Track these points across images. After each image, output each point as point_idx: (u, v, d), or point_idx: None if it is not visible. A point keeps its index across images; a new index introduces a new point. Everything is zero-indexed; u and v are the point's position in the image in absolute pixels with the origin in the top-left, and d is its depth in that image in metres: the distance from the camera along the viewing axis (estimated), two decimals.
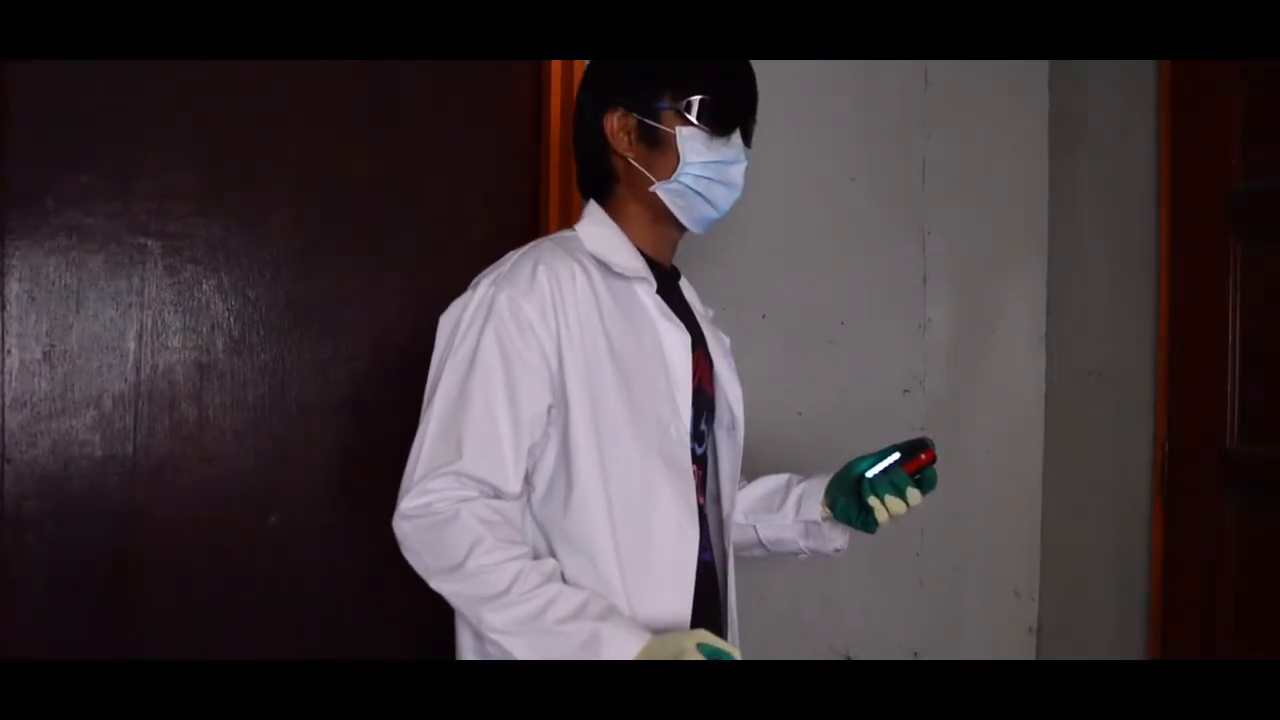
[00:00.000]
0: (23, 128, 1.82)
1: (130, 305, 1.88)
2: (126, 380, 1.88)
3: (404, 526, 1.35)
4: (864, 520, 1.56)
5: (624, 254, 1.49)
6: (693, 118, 1.46)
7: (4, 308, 1.82)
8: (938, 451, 2.32)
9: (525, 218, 2.11)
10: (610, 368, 1.41)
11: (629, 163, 1.49)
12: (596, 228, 1.51)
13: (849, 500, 1.56)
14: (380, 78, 2.01)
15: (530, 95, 2.12)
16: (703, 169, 1.47)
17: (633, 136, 1.49)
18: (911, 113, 2.34)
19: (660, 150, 1.48)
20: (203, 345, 1.92)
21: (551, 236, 1.53)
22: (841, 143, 2.29)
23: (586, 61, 1.57)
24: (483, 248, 2.05)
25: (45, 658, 1.78)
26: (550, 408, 1.40)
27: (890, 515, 1.54)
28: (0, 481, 1.82)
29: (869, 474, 1.53)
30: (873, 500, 1.53)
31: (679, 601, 1.42)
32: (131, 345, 1.88)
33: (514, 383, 1.37)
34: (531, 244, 1.49)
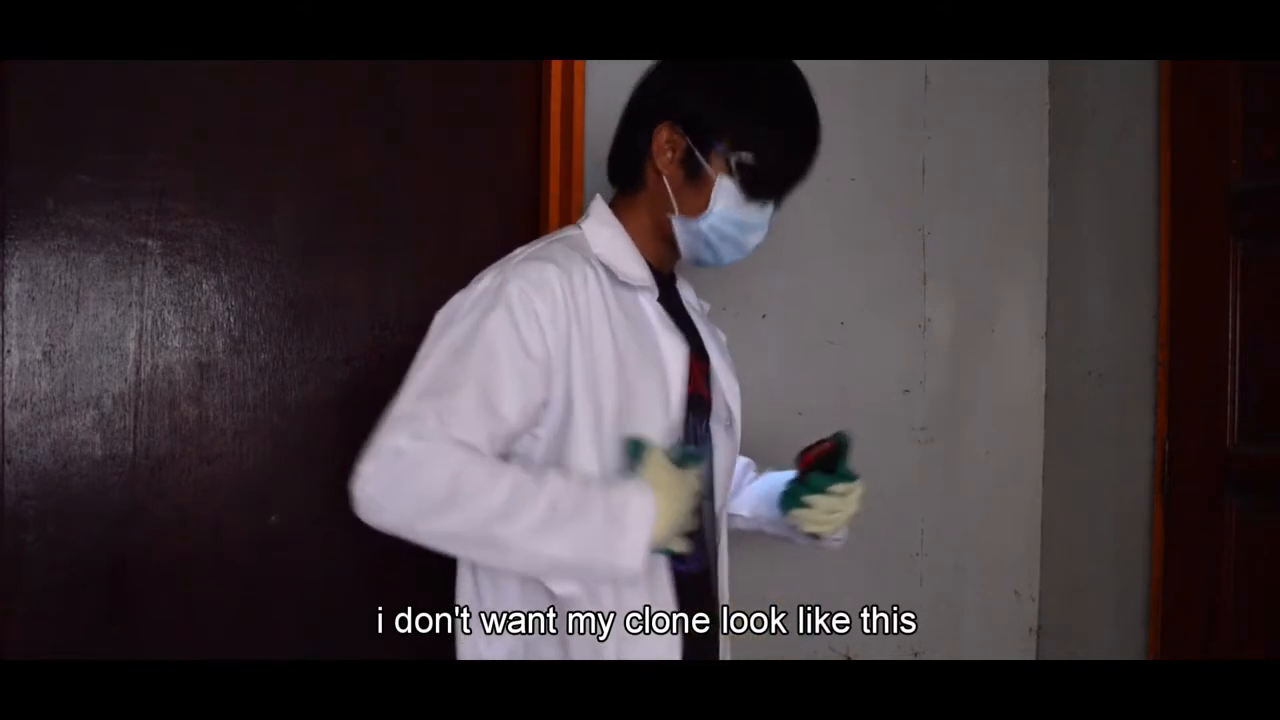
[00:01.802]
0: (23, 128, 1.82)
1: (130, 305, 1.88)
2: (126, 380, 1.88)
3: (369, 489, 1.26)
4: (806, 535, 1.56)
5: (629, 261, 1.47)
6: (734, 173, 1.42)
7: (4, 308, 1.82)
8: (938, 450, 2.35)
9: (525, 218, 2.10)
10: (615, 376, 1.39)
11: (661, 179, 1.46)
12: (603, 228, 1.49)
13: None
14: (380, 77, 2.01)
15: (530, 95, 2.11)
16: (723, 223, 1.44)
17: (676, 156, 1.44)
18: (911, 113, 2.34)
19: (695, 185, 1.44)
20: (203, 345, 1.92)
21: (560, 237, 1.49)
22: (841, 143, 2.28)
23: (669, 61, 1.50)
24: (483, 248, 2.04)
25: (45, 658, 1.78)
26: (545, 404, 1.37)
27: (817, 521, 1.52)
28: (0, 481, 1.82)
29: (781, 493, 1.53)
30: (792, 514, 1.52)
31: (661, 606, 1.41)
32: (131, 345, 1.88)
33: (512, 369, 1.33)
34: (542, 243, 1.47)
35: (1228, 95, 2.00)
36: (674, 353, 1.45)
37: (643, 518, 1.29)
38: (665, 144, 1.44)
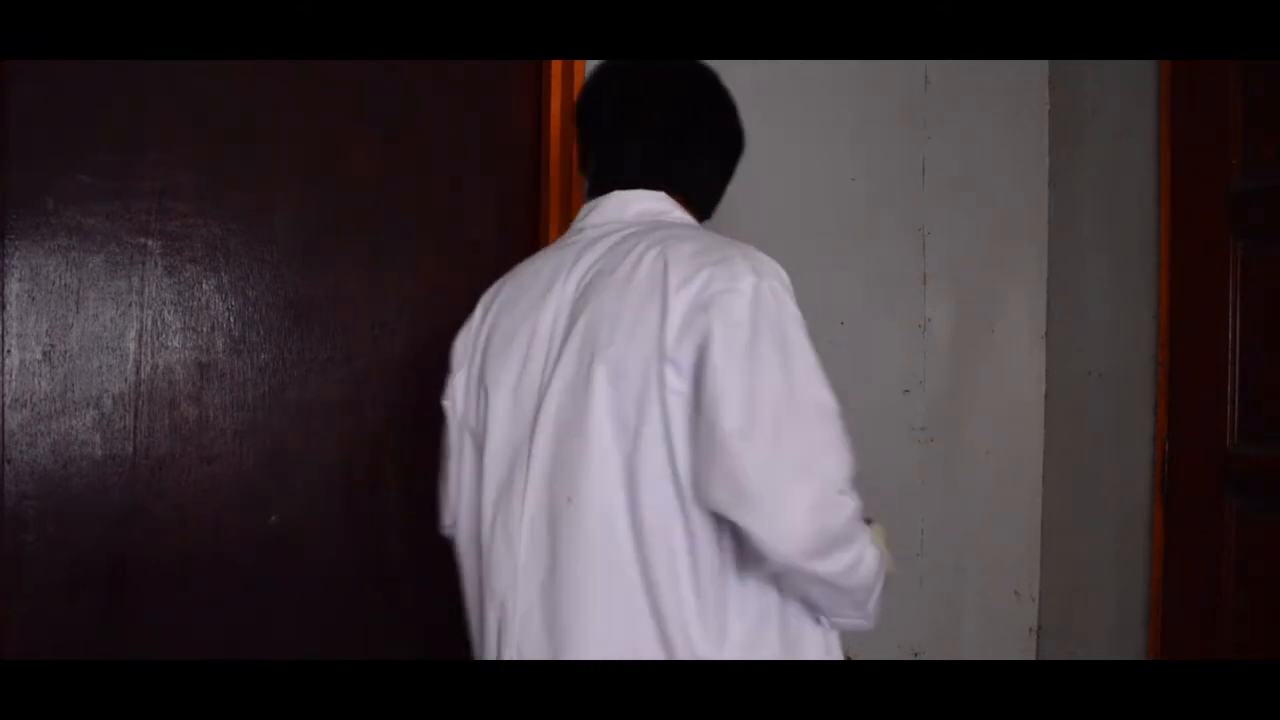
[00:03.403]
0: (23, 128, 1.82)
1: (130, 305, 1.88)
2: (126, 380, 1.88)
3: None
4: None
5: None
6: None
7: (4, 308, 1.82)
8: (938, 450, 2.35)
9: (525, 218, 2.11)
10: None
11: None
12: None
13: None
14: (380, 77, 2.01)
15: (530, 95, 2.12)
16: None
17: None
18: (911, 113, 2.34)
19: None
20: (203, 345, 1.92)
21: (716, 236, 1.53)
22: (841, 143, 2.29)
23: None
24: (483, 247, 2.05)
25: (45, 658, 1.78)
26: None
27: None
28: (0, 481, 1.82)
29: None
30: None
31: None
32: (131, 345, 1.88)
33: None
34: (724, 238, 1.50)
35: (1228, 95, 2.00)
36: None
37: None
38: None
